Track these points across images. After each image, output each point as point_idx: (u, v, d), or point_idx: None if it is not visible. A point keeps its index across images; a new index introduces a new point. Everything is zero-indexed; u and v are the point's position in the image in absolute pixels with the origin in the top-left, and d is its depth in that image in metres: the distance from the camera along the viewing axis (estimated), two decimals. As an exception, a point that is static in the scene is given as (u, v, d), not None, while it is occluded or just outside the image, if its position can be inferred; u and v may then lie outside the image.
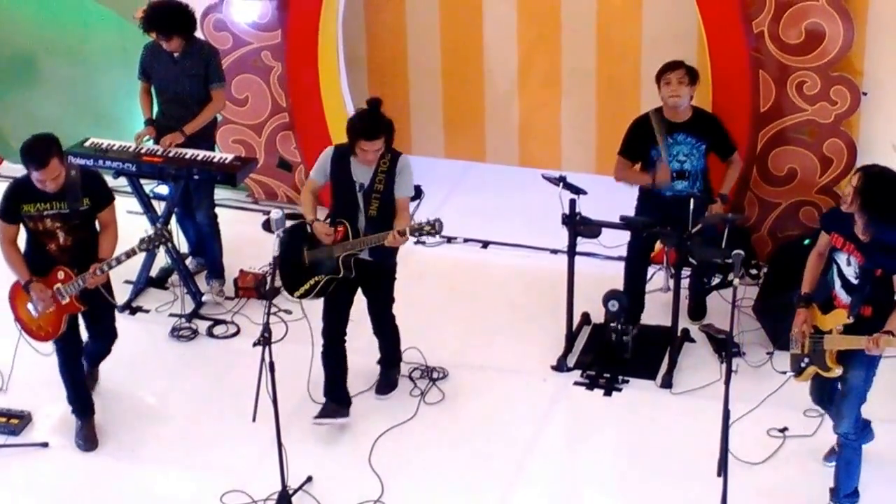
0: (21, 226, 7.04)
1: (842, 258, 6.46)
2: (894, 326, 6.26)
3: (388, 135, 7.11)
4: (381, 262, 7.31)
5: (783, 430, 7.23)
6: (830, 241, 6.51)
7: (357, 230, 7.18)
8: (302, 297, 7.31)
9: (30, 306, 7.04)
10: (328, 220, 7.29)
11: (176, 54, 8.37)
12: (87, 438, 7.35)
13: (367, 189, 7.16)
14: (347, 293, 7.35)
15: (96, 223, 7.12)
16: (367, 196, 7.17)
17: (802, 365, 6.63)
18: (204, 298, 8.59)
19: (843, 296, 6.48)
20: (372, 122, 7.05)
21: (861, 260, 6.35)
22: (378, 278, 7.39)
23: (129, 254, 6.94)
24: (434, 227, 6.93)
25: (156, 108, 8.63)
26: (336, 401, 7.41)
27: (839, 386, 6.65)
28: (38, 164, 6.74)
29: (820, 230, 6.66)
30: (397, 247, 7.16)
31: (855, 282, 6.40)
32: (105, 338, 7.44)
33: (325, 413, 7.38)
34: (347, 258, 7.18)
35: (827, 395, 6.79)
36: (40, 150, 6.77)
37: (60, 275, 6.96)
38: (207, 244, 8.73)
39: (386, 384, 7.75)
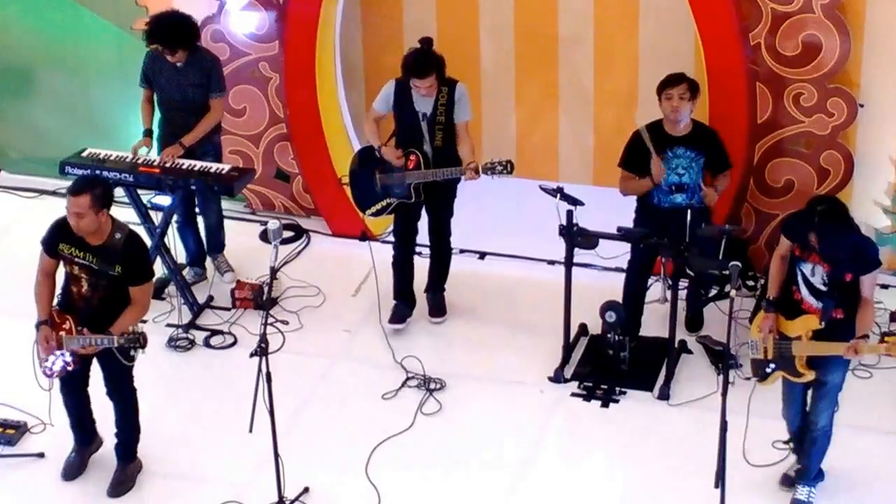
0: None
1: (807, 268, 6.52)
2: (866, 327, 6.38)
3: (440, 71, 7.78)
4: (446, 182, 7.98)
5: (787, 441, 7.18)
6: (792, 247, 6.57)
7: (426, 158, 7.89)
8: (374, 215, 8.19)
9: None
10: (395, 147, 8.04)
11: (179, 63, 8.37)
12: (69, 466, 7.21)
13: (430, 119, 7.88)
14: (416, 211, 8.18)
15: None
16: (431, 126, 7.90)
17: (768, 371, 6.66)
18: (227, 279, 8.79)
19: (812, 301, 6.54)
20: (422, 61, 7.77)
21: (828, 269, 6.42)
22: (442, 198, 8.12)
23: (105, 341, 6.68)
24: (506, 168, 7.70)
25: (158, 116, 8.63)
26: (405, 299, 8.31)
27: (812, 388, 6.69)
28: (72, 191, 6.63)
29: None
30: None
31: (823, 288, 6.46)
32: (116, 397, 7.09)
33: (396, 319, 8.26)
34: (419, 185, 7.93)
35: (797, 400, 6.80)
36: (81, 182, 6.72)
37: (67, 325, 6.81)
38: (215, 234, 8.88)
39: (438, 308, 8.42)
